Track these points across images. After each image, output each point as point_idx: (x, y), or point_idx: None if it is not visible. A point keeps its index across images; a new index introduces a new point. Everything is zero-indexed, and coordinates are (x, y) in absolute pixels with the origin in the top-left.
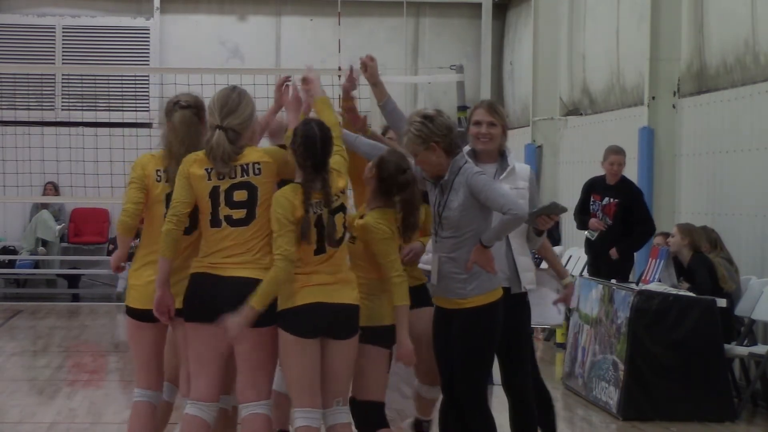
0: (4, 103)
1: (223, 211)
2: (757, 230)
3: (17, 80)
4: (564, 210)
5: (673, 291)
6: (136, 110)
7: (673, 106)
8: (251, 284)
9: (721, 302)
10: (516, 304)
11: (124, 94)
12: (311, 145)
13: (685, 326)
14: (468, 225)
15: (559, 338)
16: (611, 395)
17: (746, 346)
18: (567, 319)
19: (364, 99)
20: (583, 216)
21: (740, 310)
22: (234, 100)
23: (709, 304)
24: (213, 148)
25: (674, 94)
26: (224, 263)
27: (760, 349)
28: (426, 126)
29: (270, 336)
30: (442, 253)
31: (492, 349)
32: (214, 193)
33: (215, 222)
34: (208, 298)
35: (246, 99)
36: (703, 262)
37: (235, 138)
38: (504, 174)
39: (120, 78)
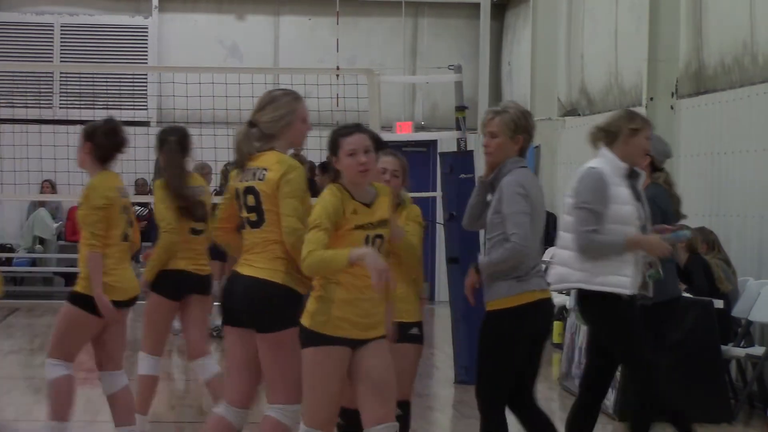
0: (2, 101)
1: (243, 213)
2: (755, 231)
3: (15, 78)
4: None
5: None
6: (134, 109)
7: (671, 107)
8: (257, 284)
9: (718, 303)
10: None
11: (122, 92)
12: None
13: (682, 327)
14: (495, 229)
15: (555, 339)
16: (608, 396)
17: (743, 347)
18: None
19: (362, 99)
20: None
21: (737, 311)
22: (268, 97)
23: (706, 305)
24: (235, 138)
25: (672, 95)
26: (244, 261)
27: (757, 350)
28: (526, 119)
29: (289, 338)
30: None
31: (505, 356)
32: (237, 195)
33: (242, 225)
34: (229, 295)
35: (282, 101)
36: (700, 263)
37: (258, 135)
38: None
39: (118, 76)
